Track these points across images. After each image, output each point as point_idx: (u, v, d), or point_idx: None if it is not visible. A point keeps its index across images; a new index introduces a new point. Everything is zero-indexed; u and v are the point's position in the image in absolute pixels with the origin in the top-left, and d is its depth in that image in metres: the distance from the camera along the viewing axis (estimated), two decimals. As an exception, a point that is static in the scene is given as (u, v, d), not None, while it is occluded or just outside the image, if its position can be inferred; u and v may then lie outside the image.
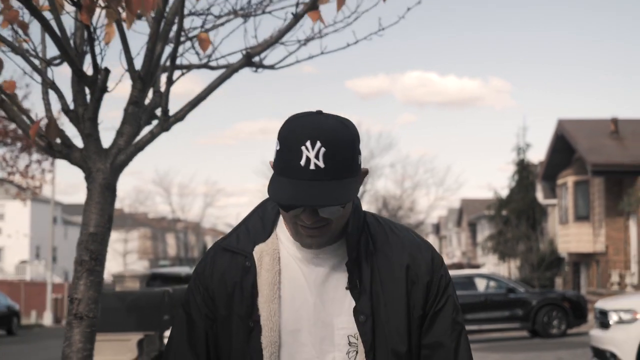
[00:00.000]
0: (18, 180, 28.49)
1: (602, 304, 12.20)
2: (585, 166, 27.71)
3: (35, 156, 28.15)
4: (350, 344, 2.00)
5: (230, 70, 3.61)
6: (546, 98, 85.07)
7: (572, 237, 30.36)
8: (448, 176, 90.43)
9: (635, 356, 11.10)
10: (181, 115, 3.63)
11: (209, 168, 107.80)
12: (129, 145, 3.59)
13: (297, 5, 3.60)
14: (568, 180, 30.29)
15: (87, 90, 3.54)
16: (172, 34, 3.70)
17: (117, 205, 63.93)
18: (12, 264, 55.53)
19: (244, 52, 3.72)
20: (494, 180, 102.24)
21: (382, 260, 2.04)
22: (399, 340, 2.01)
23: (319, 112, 1.96)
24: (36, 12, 3.11)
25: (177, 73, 3.79)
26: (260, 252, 2.02)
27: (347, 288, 2.01)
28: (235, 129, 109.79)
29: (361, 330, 1.99)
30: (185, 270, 16.64)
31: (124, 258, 72.66)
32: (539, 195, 36.38)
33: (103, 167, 3.54)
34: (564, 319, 20.30)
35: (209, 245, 77.82)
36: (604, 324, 11.70)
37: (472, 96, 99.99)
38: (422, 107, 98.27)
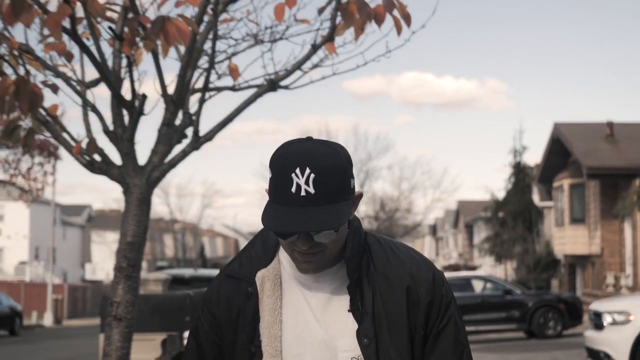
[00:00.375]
0: (20, 183, 28.80)
1: (596, 305, 12.54)
2: (581, 169, 28.06)
3: (38, 159, 28.52)
4: None
5: (256, 95, 3.98)
6: (543, 99, 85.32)
7: (567, 239, 30.68)
8: (445, 178, 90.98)
9: (629, 356, 11.45)
10: (211, 135, 4.00)
11: (206, 169, 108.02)
12: (162, 162, 3.96)
13: (315, 36, 3.97)
14: (564, 183, 30.65)
15: (124, 112, 3.90)
16: (201, 60, 4.06)
17: (115, 207, 63.70)
18: (12, 265, 55.77)
19: (268, 77, 4.08)
20: (490, 181, 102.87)
21: (383, 281, 2.06)
22: None
23: (309, 139, 2.00)
24: (82, 45, 3.47)
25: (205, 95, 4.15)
26: (262, 277, 2.06)
27: (349, 310, 2.03)
28: (232, 129, 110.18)
29: (365, 354, 2.01)
30: (189, 272, 16.98)
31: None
32: (535, 198, 36.70)
33: (139, 182, 3.91)
34: (560, 320, 20.64)
35: (207, 246, 77.46)
36: (598, 325, 12.03)
37: (468, 97, 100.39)
38: (419, 108, 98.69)
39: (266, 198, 1.99)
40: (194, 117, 4.02)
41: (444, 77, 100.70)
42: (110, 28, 3.59)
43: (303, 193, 1.90)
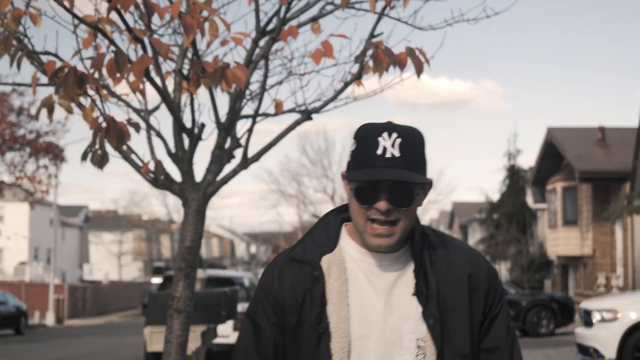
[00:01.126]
0: (26, 185, 29.43)
1: (586, 304, 13.28)
2: (574, 173, 28.78)
3: (42, 161, 29.19)
4: (419, 347, 2.12)
5: (295, 124, 4.71)
6: (539, 100, 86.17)
7: (560, 240, 31.36)
8: (440, 181, 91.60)
9: (616, 351, 12.19)
10: (257, 157, 4.73)
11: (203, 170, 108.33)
12: (215, 180, 4.70)
13: (344, 74, 4.73)
14: (557, 186, 31.36)
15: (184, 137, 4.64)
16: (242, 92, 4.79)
17: (111, 207, 63.86)
18: (12, 265, 56.37)
19: (303, 107, 4.82)
20: (486, 182, 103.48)
21: (444, 269, 2.17)
22: (464, 343, 2.15)
23: (390, 122, 2.15)
24: (156, 85, 4.20)
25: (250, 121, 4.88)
26: (328, 262, 2.14)
27: (413, 294, 2.14)
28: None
29: (432, 333, 2.11)
30: (198, 272, 17.63)
31: (119, 259, 72.90)
32: (529, 200, 37.21)
33: (196, 196, 4.64)
34: (553, 319, 21.32)
35: (202, 246, 77.01)
36: (587, 322, 12.75)
37: (463, 98, 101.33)
38: (414, 109, 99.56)
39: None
40: (241, 142, 4.75)
41: (439, 78, 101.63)
42: (180, 71, 4.33)
43: (388, 155, 2.04)
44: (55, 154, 28.74)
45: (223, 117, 4.72)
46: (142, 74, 3.75)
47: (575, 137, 30.45)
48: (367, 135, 2.08)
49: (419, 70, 4.23)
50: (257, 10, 4.53)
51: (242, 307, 11.32)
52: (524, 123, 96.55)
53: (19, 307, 30.88)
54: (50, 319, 38.93)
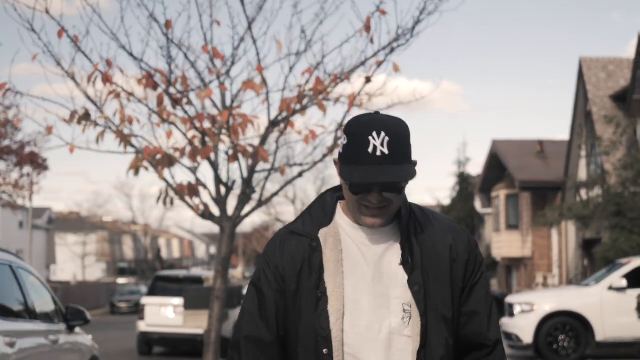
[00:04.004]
0: (10, 192, 31.45)
1: (509, 299, 16.02)
2: (515, 182, 31.70)
3: (26, 169, 31.26)
4: (404, 311, 2.29)
5: (297, 176, 7.40)
6: (496, 99, 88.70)
7: (504, 243, 33.85)
8: None
9: (533, 337, 14.87)
10: (267, 200, 7.39)
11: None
12: (240, 215, 7.35)
13: (333, 145, 7.44)
14: (500, 193, 33.95)
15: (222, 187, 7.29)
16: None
17: (75, 209, 64.69)
18: (-18, 267, 57.47)
19: (299, 165, 7.52)
20: (445, 182, 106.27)
21: (428, 241, 2.35)
22: (445, 307, 2.32)
23: (377, 112, 2.30)
24: (212, 163, 6.83)
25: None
26: (325, 234, 2.33)
27: (400, 264, 2.31)
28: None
29: (416, 298, 2.28)
30: (183, 272, 20.12)
31: (83, 260, 74.05)
32: (477, 205, 39.26)
33: (228, 225, 7.29)
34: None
35: (163, 247, 77.36)
36: (511, 313, 15.42)
37: (422, 99, 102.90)
38: (372, 109, 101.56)
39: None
40: (255, 189, 7.42)
41: (397, 78, 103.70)
42: (226, 153, 6.98)
43: (379, 153, 2.19)
44: (39, 163, 30.82)
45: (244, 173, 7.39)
46: (207, 156, 6.41)
47: (516, 149, 33.32)
48: (358, 133, 2.23)
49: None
50: (268, 109, 7.22)
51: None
52: (484, 123, 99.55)
53: None
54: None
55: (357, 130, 2.24)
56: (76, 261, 74.08)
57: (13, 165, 30.47)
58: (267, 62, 7.19)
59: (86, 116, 6.60)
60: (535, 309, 15.03)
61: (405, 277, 2.30)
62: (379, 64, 7.13)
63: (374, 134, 2.21)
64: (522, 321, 15.01)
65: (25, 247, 62.16)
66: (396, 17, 7.02)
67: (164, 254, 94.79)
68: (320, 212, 2.40)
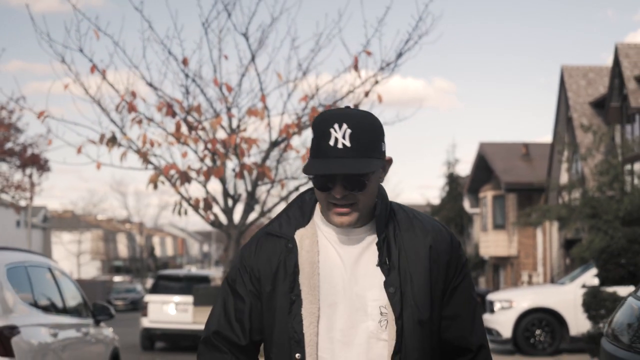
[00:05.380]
0: (12, 193, 32.37)
1: (490, 296, 17.02)
2: (501, 184, 32.80)
3: (28, 171, 32.18)
4: (381, 314, 2.23)
5: (294, 190, 8.47)
6: (490, 98, 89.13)
7: (491, 242, 34.85)
8: (387, 186, 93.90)
9: (512, 331, 15.83)
10: (269, 210, 8.48)
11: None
12: (245, 223, 8.43)
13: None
14: (487, 194, 34.93)
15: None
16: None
17: (70, 207, 64.95)
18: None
19: (295, 179, 8.61)
20: (436, 180, 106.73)
21: (407, 241, 2.28)
22: (422, 311, 2.24)
23: (347, 107, 2.27)
24: (223, 181, 7.93)
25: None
26: (301, 235, 2.28)
27: (377, 265, 2.25)
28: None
29: (391, 301, 2.21)
30: (184, 272, 21.18)
31: (78, 259, 74.61)
32: (466, 205, 39.93)
33: (234, 232, 8.37)
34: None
35: (157, 246, 77.36)
36: (491, 310, 16.39)
37: (416, 96, 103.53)
38: (365, 107, 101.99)
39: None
40: (258, 201, 8.51)
41: (391, 76, 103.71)
42: (233, 170, 8.06)
43: (340, 146, 2.15)
44: (41, 164, 31.78)
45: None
46: (220, 175, 7.50)
47: (502, 152, 34.42)
48: (321, 126, 2.20)
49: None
50: (269, 132, 8.32)
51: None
52: (478, 122, 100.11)
53: None
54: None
55: (322, 122, 2.21)
56: (71, 259, 74.44)
57: (16, 167, 31.40)
58: (268, 89, 8.30)
59: (113, 139, 7.69)
60: (514, 306, 15.91)
61: (383, 278, 2.24)
62: (366, 94, 8.19)
63: (336, 125, 2.17)
64: (502, 317, 15.90)
65: (23, 245, 63.00)
66: (380, 53, 8.11)
67: (158, 252, 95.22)
68: (298, 212, 2.36)
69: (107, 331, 8.80)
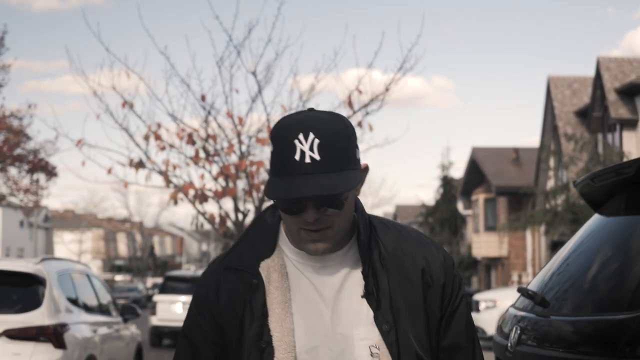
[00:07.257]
0: (20, 196, 33.64)
1: (476, 296, 18.36)
2: (492, 187, 34.09)
3: (36, 176, 33.45)
4: (372, 354, 1.89)
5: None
6: (491, 95, 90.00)
7: (482, 243, 36.20)
8: (382, 187, 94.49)
9: (496, 328, 17.09)
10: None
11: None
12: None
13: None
14: (479, 197, 36.31)
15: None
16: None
17: (70, 207, 66.07)
18: (-16, 265, 59.20)
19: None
20: (433, 179, 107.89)
21: (396, 265, 1.93)
22: (421, 346, 1.92)
23: (311, 109, 1.88)
24: (235, 199, 9.23)
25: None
26: (267, 268, 1.90)
27: (362, 296, 1.89)
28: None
29: (386, 341, 1.87)
30: (190, 273, 22.43)
31: (79, 258, 75.77)
32: (460, 207, 41.43)
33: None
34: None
35: (156, 245, 78.58)
36: (477, 309, 17.74)
37: (414, 94, 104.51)
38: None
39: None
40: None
41: (389, 74, 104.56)
42: (243, 189, 9.34)
43: (308, 160, 1.76)
44: (49, 170, 33.07)
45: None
46: (234, 193, 8.80)
47: (494, 156, 35.74)
48: (282, 138, 1.80)
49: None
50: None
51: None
52: (476, 121, 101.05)
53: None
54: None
55: (282, 133, 1.82)
56: (72, 258, 75.28)
57: (25, 172, 32.66)
58: (273, 118, 9.58)
59: (140, 163, 8.98)
60: (498, 305, 17.18)
61: (371, 312, 1.89)
62: (359, 124, 9.48)
63: (301, 136, 1.79)
64: (487, 316, 17.16)
65: (26, 244, 64.39)
66: (370, 86, 9.41)
67: (157, 251, 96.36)
68: (259, 238, 1.97)
69: (133, 328, 10.07)
